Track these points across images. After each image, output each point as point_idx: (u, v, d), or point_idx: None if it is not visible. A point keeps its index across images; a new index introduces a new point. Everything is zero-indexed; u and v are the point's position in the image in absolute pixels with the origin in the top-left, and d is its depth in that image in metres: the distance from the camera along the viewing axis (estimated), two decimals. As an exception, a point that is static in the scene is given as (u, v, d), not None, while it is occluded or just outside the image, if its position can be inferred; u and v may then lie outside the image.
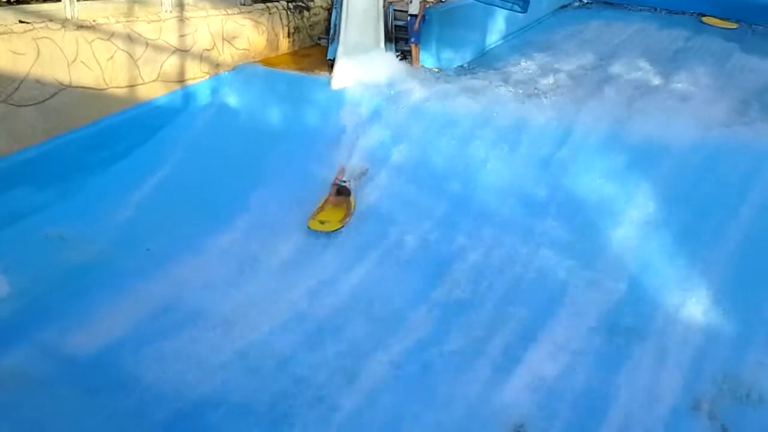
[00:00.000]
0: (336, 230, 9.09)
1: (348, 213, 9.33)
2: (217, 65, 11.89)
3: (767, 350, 7.08)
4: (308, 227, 9.13)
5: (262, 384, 6.67)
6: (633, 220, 8.81)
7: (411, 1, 12.67)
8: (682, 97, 11.42)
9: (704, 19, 18.64)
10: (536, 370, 6.90)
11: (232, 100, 11.87)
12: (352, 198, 9.61)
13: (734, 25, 18.27)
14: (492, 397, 6.66)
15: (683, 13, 18.98)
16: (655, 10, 19.31)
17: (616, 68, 13.51)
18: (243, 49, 12.40)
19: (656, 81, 12.63)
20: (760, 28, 18.09)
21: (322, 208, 9.49)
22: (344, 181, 9.81)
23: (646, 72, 13.31)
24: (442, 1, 14.56)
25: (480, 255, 8.64)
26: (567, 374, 6.84)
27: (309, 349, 7.14)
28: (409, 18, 12.86)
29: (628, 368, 6.96)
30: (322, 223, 9.18)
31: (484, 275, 8.32)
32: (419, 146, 10.48)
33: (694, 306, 7.68)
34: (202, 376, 6.77)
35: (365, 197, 9.82)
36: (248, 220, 9.38)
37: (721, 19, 18.55)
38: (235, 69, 12.22)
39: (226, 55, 12.05)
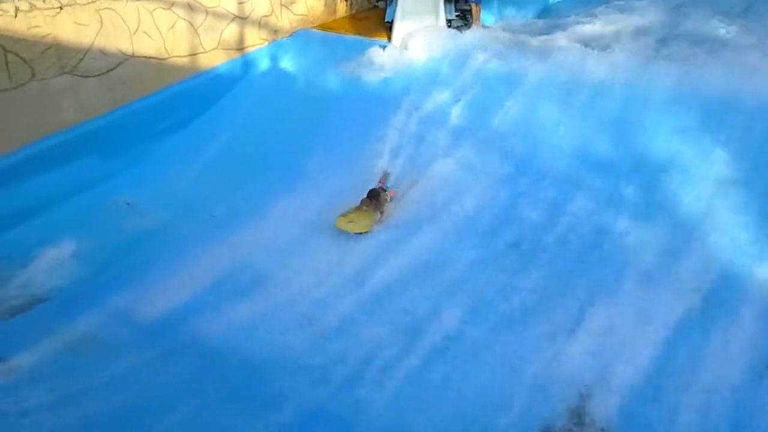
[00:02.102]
0: (362, 233, 8.44)
1: (377, 218, 8.67)
2: (276, 31, 11.86)
3: None
4: (335, 226, 8.52)
5: (325, 345, 6.68)
6: (708, 180, 8.34)
7: (470, -43, 12.38)
8: (756, 52, 10.80)
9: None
10: (605, 336, 6.67)
11: (290, 66, 11.85)
12: (386, 203, 8.95)
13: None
14: (559, 363, 6.48)
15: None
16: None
17: (686, 23, 12.86)
18: (301, 15, 12.33)
19: (729, 35, 11.93)
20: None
21: (356, 210, 8.79)
22: (385, 189, 9.21)
23: (717, 27, 12.56)
24: (502, -44, 14.15)
25: (545, 218, 8.38)
26: (638, 342, 6.60)
27: (369, 313, 7.11)
28: (468, -24, 12.57)
29: (703, 335, 6.66)
30: (350, 222, 8.55)
31: (548, 239, 8.08)
32: (482, 108, 10.19)
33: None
34: (268, 337, 6.82)
35: (427, 163, 9.66)
36: (308, 186, 9.33)
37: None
38: (294, 35, 12.18)
39: (284, 20, 12.00)
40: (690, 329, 6.77)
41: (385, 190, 9.11)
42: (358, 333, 6.84)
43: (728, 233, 7.85)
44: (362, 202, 8.84)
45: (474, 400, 6.12)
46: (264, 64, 11.67)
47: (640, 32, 12.32)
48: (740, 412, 5.90)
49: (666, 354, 6.49)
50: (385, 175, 9.51)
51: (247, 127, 10.60)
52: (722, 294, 7.16)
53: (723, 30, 11.74)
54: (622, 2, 14.10)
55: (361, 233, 8.42)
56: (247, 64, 11.41)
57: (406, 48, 11.57)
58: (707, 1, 14.66)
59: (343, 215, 8.66)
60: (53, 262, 7.63)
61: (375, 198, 8.81)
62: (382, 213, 8.80)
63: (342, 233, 8.40)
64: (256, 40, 11.49)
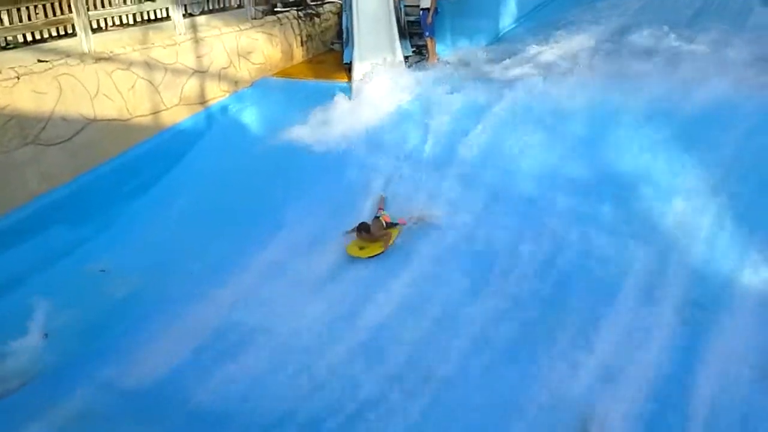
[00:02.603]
0: (374, 255, 8.56)
1: (386, 244, 8.67)
2: (236, 82, 11.85)
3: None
4: (347, 252, 8.68)
5: (329, 400, 6.52)
6: (685, 193, 8.49)
7: (422, -6, 12.56)
8: (710, 61, 11.09)
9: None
10: (606, 358, 6.66)
11: (254, 116, 11.83)
12: (382, 230, 8.87)
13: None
14: (563, 390, 6.43)
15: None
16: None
17: (637, 38, 13.18)
18: (259, 64, 12.34)
19: (681, 47, 12.28)
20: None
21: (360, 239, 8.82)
22: (380, 215, 9.09)
23: (668, 39, 12.97)
24: (451, -9, 14.40)
25: (530, 244, 8.38)
26: (639, 359, 6.60)
27: (370, 360, 6.97)
28: (421, 12, 12.73)
29: (701, 346, 6.70)
30: (360, 248, 8.67)
31: (536, 265, 8.08)
32: (450, 139, 10.30)
33: (763, 274, 7.40)
34: (266, 396, 6.64)
35: (401, 195, 9.65)
36: (284, 235, 9.20)
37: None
38: (254, 84, 12.19)
39: (244, 71, 12.00)
40: (687, 341, 6.80)
41: (378, 217, 8.99)
42: (359, 385, 6.68)
43: (708, 243, 7.96)
44: (358, 237, 8.71)
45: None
46: (227, 116, 11.63)
47: (594, 51, 12.59)
48: (749, 420, 5.92)
49: (668, 369, 6.50)
50: (382, 198, 9.42)
51: (215, 180, 10.47)
52: (713, 303, 7.22)
53: (675, 40, 12.02)
54: (572, 24, 14.38)
55: (371, 256, 8.50)
56: (210, 117, 11.36)
57: (367, 87, 11.64)
58: (653, 13, 15.14)
59: (355, 242, 8.71)
60: (33, 339, 7.36)
61: (365, 231, 8.65)
62: (387, 238, 8.69)
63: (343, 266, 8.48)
64: (217, 93, 11.46)
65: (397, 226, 8.98)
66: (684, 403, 6.12)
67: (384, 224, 8.91)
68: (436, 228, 8.95)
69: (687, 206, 8.43)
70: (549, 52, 12.74)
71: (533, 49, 13.01)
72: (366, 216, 9.17)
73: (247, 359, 7.06)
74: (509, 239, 8.58)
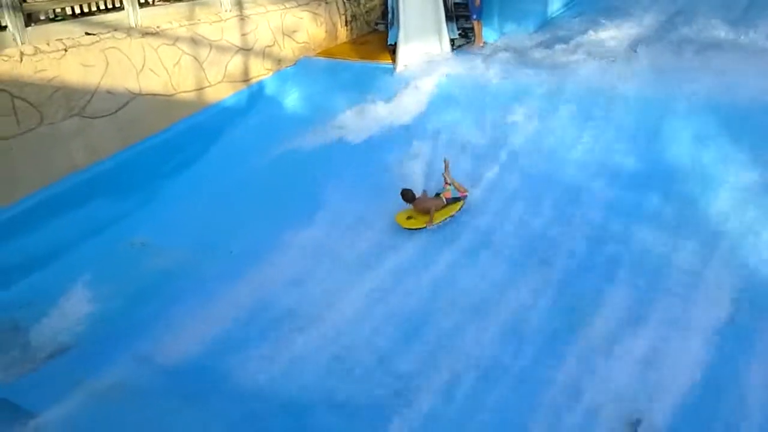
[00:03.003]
0: (419, 228, 8.63)
1: (431, 218, 8.64)
2: (279, 61, 11.79)
3: None
4: (395, 221, 8.80)
5: (359, 381, 6.50)
6: (735, 186, 8.26)
7: (470, -23, 12.34)
8: (762, 54, 10.74)
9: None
10: (645, 353, 6.50)
11: (297, 94, 11.78)
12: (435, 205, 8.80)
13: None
14: (600, 384, 6.30)
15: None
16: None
17: (688, 28, 12.78)
18: (303, 43, 12.27)
19: (733, 37, 11.89)
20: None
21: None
22: (441, 192, 9.01)
23: (720, 29, 12.57)
24: (500, -26, 14.14)
25: (573, 235, 8.22)
26: (682, 355, 6.43)
27: (402, 342, 6.93)
28: (469, -6, 12.54)
29: (747, 344, 6.49)
30: (408, 218, 8.75)
31: (579, 255, 7.92)
32: (494, 125, 10.16)
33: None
34: (299, 375, 6.64)
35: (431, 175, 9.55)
36: (326, 215, 9.17)
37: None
38: (297, 63, 12.12)
39: (287, 49, 11.94)
40: (731, 340, 6.59)
41: (438, 195, 8.94)
42: (389, 367, 6.64)
43: (753, 238, 7.72)
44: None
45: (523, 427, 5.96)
46: (270, 95, 11.58)
47: (644, 40, 12.26)
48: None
49: (712, 367, 6.31)
50: (447, 164, 9.10)
51: (257, 159, 10.43)
52: (757, 300, 6.98)
53: (727, 31, 11.65)
54: (622, 10, 13.97)
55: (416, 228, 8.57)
56: (254, 95, 11.32)
57: (411, 69, 11.51)
58: (703, 6, 14.68)
59: (405, 212, 8.79)
60: (74, 308, 7.46)
61: (405, 198, 8.75)
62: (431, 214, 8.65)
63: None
64: (260, 71, 11.41)
65: (460, 201, 8.90)
66: (728, 407, 5.95)
67: (444, 200, 8.84)
68: (474, 210, 8.86)
69: (736, 200, 8.20)
70: (599, 39, 12.43)
71: (582, 35, 12.70)
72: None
73: (280, 339, 7.05)
74: (557, 229, 8.43)
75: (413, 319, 7.28)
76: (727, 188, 8.39)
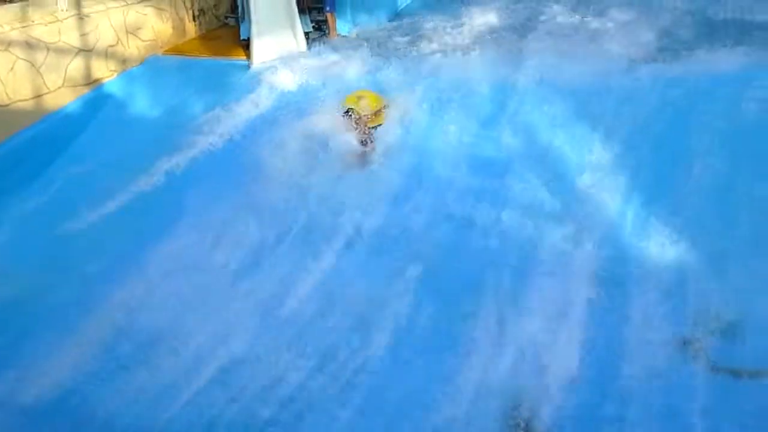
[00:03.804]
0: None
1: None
2: (125, 61, 11.08)
3: (744, 280, 7.10)
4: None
5: (243, 404, 6.23)
6: (595, 167, 8.68)
7: (320, -33, 12.17)
8: (612, 36, 11.38)
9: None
10: (529, 339, 6.69)
11: (147, 96, 11.09)
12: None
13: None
14: (486, 373, 6.42)
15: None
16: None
17: (534, 14, 13.36)
18: (149, 40, 11.60)
19: (576, 22, 12.55)
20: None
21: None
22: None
23: (563, 15, 13.22)
24: (350, -36, 14.03)
25: (443, 227, 8.31)
26: (560, 338, 6.67)
27: (286, 358, 6.72)
28: (320, -15, 12.36)
29: (619, 321, 6.85)
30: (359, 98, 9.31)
31: (450, 247, 8.01)
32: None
33: (671, 247, 7.63)
34: (175, 403, 6.28)
35: (301, 178, 9.30)
36: (190, 224, 8.66)
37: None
38: (144, 62, 11.45)
39: (132, 48, 11.24)
40: (604, 318, 6.92)
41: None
42: (280, 388, 6.41)
43: (616, 217, 8.15)
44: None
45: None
46: (117, 97, 10.86)
47: (497, 28, 12.67)
48: (672, 394, 6.11)
49: (589, 348, 6.59)
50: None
51: (107, 168, 9.73)
52: (625, 277, 7.39)
53: (578, 19, 12.21)
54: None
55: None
56: (99, 99, 10.59)
57: (266, 65, 11.20)
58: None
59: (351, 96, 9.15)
60: None
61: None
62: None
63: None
64: (104, 73, 10.69)
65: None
66: (610, 380, 6.25)
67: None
68: (343, 211, 8.74)
69: (596, 179, 8.61)
70: (451, 29, 12.72)
71: (434, 25, 12.97)
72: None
73: (157, 364, 6.63)
74: (422, 222, 8.49)
75: (298, 329, 7.06)
76: (586, 168, 8.77)
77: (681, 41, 11.17)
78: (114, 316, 7.28)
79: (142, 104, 10.98)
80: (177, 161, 9.66)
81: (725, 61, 9.97)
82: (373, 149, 9.12)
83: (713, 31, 11.66)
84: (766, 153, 8.33)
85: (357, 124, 9.46)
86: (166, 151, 9.90)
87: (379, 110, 9.59)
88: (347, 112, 9.51)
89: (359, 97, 8.73)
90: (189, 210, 8.81)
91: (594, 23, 12.15)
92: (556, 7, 13.18)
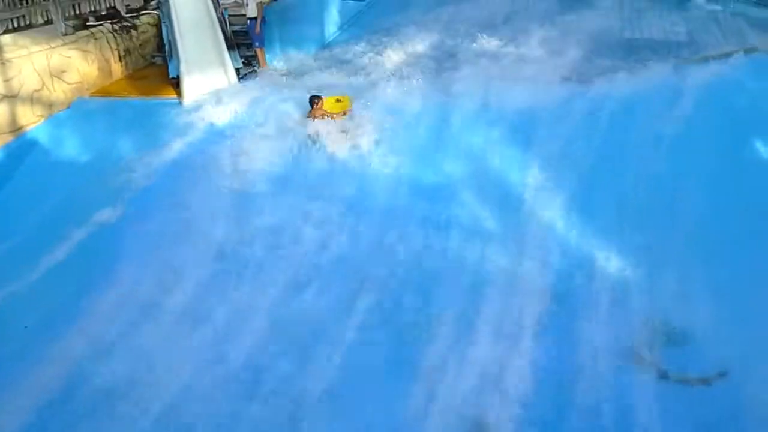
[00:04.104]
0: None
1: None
2: (51, 105, 10.77)
3: (686, 286, 7.40)
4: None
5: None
6: (531, 187, 8.94)
7: (247, 4, 12.16)
8: (533, 60, 11.79)
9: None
10: (482, 358, 6.78)
11: (74, 141, 10.73)
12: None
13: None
14: (441, 394, 6.47)
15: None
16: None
17: (458, 41, 13.73)
18: (75, 83, 11.31)
19: (503, 47, 12.96)
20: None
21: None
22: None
23: (486, 41, 13.62)
24: (275, 0, 14.12)
25: (389, 253, 8.36)
26: (513, 356, 6.79)
27: (243, 399, 6.60)
28: (248, 22, 12.34)
29: (570, 333, 7.03)
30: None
31: (400, 275, 8.05)
32: (292, 151, 10.05)
33: (613, 259, 7.90)
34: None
35: (242, 212, 9.24)
36: (130, 268, 8.43)
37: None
38: (72, 106, 11.13)
39: (58, 92, 10.94)
40: (554, 333, 7.10)
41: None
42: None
43: (558, 233, 8.40)
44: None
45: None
46: (44, 143, 10.48)
47: (421, 56, 12.92)
48: (624, 405, 6.28)
49: (541, 365, 6.74)
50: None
51: (40, 219, 9.35)
52: (572, 292, 7.62)
53: (504, 44, 12.58)
54: (394, 30, 14.61)
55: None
56: (25, 146, 10.22)
57: (198, 101, 11.09)
58: (469, 15, 15.78)
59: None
60: None
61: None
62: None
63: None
64: (31, 118, 10.35)
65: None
66: (563, 395, 6.39)
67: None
68: (289, 242, 8.70)
69: (536, 199, 8.84)
70: (379, 59, 12.94)
71: (363, 56, 13.18)
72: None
73: (107, 416, 6.42)
74: (368, 250, 8.53)
75: (252, 368, 6.96)
76: (525, 188, 9.04)
77: (605, 62, 11.64)
78: (57, 370, 6.99)
79: (72, 149, 10.64)
80: (111, 207, 9.37)
81: (646, 78, 10.46)
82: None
83: (633, 51, 12.22)
84: (698, 162, 8.74)
85: (315, 104, 10.35)
86: (99, 197, 9.60)
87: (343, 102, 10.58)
88: (313, 99, 10.42)
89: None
90: (128, 255, 8.60)
91: (520, 48, 12.54)
92: (482, 34, 13.52)
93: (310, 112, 10.36)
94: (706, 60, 10.66)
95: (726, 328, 6.89)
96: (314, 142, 10.02)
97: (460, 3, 16.95)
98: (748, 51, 10.50)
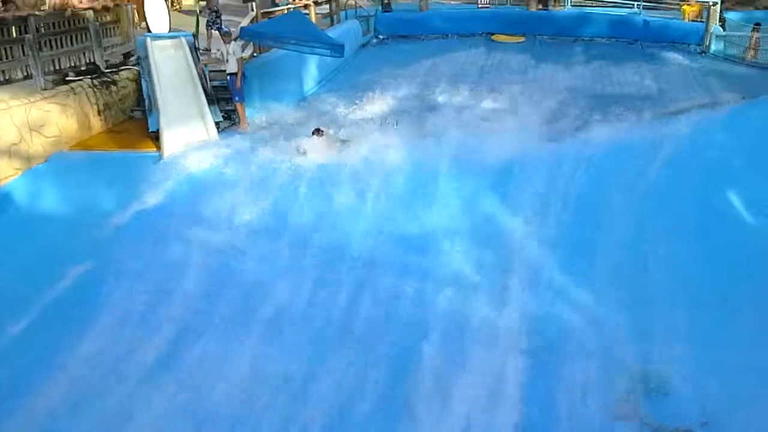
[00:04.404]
0: None
1: None
2: (29, 159, 10.71)
3: (664, 332, 7.48)
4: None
5: None
6: (511, 236, 9.05)
7: (227, 60, 12.31)
8: (508, 112, 12.09)
9: (494, 37, 20.00)
10: (465, 412, 6.74)
11: (52, 195, 10.63)
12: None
13: (521, 39, 19.77)
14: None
15: (473, 35, 20.24)
16: (447, 36, 20.46)
17: (435, 96, 14.11)
18: (54, 137, 11.28)
19: (478, 101, 13.27)
20: (544, 37, 19.80)
21: None
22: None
23: (463, 95, 13.97)
24: (255, 56, 14.32)
25: (370, 303, 8.37)
26: (493, 407, 6.77)
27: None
28: (228, 77, 12.48)
29: (551, 384, 7.04)
30: None
31: (379, 322, 8.05)
32: (274, 204, 10.09)
33: (592, 307, 7.97)
34: None
35: (222, 266, 9.21)
36: (107, 321, 8.35)
37: (508, 35, 20.00)
38: (50, 159, 11.08)
39: (37, 145, 10.90)
40: (536, 384, 7.10)
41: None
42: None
43: (536, 282, 8.46)
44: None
45: None
46: (21, 198, 10.35)
47: (399, 110, 13.16)
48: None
49: (525, 417, 6.72)
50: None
51: (15, 270, 9.23)
52: (552, 341, 7.64)
53: (477, 100, 12.88)
54: (370, 84, 14.89)
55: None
56: (2, 200, 10.10)
57: (177, 155, 11.11)
58: (444, 71, 16.19)
59: None
60: None
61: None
62: None
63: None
64: (8, 172, 10.29)
65: None
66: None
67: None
68: (262, 294, 8.64)
69: (512, 250, 8.92)
70: (358, 111, 13.18)
71: (341, 109, 13.38)
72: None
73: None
74: (349, 300, 8.52)
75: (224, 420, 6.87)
76: (503, 238, 9.14)
77: (578, 114, 11.96)
78: (36, 424, 6.85)
79: (48, 203, 10.54)
80: (86, 261, 9.27)
81: (617, 132, 10.75)
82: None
83: (606, 104, 12.56)
84: (675, 212, 8.91)
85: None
86: (74, 253, 9.47)
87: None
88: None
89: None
90: (104, 310, 8.49)
91: (496, 101, 12.84)
92: (458, 88, 13.83)
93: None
94: (677, 113, 10.97)
95: (707, 377, 6.95)
96: (293, 192, 10.07)
97: (436, 57, 17.49)
98: (717, 104, 10.83)
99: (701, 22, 18.55)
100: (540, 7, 20.71)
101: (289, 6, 16.30)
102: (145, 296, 8.63)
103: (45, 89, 11.44)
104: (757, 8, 22.50)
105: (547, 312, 8.07)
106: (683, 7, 19.60)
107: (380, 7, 21.00)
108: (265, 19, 14.77)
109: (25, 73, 11.62)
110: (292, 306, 8.48)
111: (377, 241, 9.33)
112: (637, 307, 7.86)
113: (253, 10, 15.49)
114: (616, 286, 8.15)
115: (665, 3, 21.13)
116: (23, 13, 12.34)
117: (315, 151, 11.00)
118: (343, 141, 11.60)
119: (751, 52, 16.93)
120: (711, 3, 18.52)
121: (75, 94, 11.98)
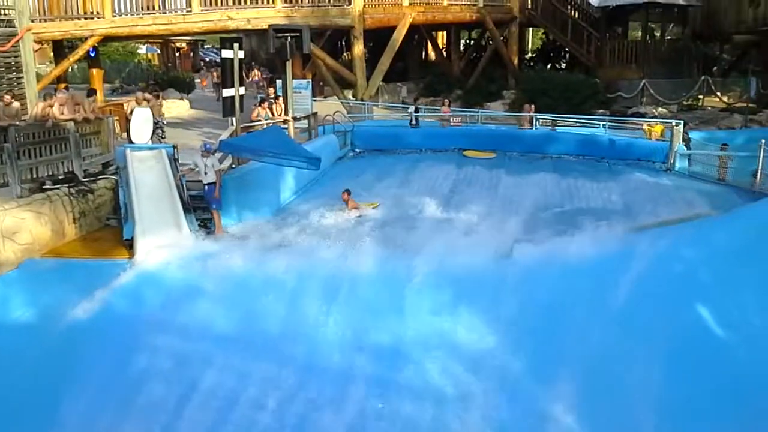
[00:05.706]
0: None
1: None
2: (0, 266, 10.64)
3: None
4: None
5: None
6: (483, 349, 9.02)
7: (206, 172, 12.57)
8: (478, 225, 12.33)
9: (465, 153, 20.63)
10: None
11: (19, 301, 10.53)
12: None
13: (492, 155, 20.42)
14: None
15: (445, 150, 20.89)
16: (421, 151, 21.10)
17: (406, 209, 14.34)
18: (26, 244, 11.26)
19: (449, 215, 13.56)
20: (514, 154, 20.48)
21: None
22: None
23: (434, 210, 14.27)
24: (233, 167, 14.61)
25: (340, 417, 8.23)
26: None
27: None
28: (206, 187, 12.68)
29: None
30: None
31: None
32: (247, 314, 10.02)
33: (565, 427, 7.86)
34: None
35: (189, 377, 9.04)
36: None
37: (479, 150, 20.66)
38: (21, 266, 11.01)
39: (8, 252, 10.86)
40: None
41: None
42: None
43: (512, 398, 8.40)
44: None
45: None
46: (-9, 306, 10.25)
47: (370, 222, 13.38)
48: None
49: None
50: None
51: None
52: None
53: (441, 210, 13.22)
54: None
55: None
56: (-30, 307, 9.97)
57: (152, 264, 11.08)
58: (416, 185, 16.59)
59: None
60: None
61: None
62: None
63: None
64: (-23, 279, 10.20)
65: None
66: None
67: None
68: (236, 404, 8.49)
69: (476, 362, 8.88)
70: (328, 223, 13.35)
71: (318, 218, 13.57)
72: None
73: None
74: (318, 414, 8.36)
75: None
76: (476, 351, 9.08)
77: (546, 230, 12.23)
78: None
79: (15, 310, 10.41)
80: (56, 371, 9.11)
81: (584, 247, 10.94)
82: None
83: (573, 220, 12.88)
84: (646, 331, 8.92)
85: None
86: (43, 362, 9.34)
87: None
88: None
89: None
90: (68, 421, 8.36)
91: (467, 215, 13.13)
92: (430, 202, 14.19)
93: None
94: (643, 229, 11.23)
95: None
96: (265, 301, 10.05)
97: (409, 173, 17.95)
98: (683, 219, 11.10)
99: (665, 141, 19.30)
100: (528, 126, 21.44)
101: (269, 121, 16.77)
102: (108, 405, 8.45)
103: (21, 197, 11.52)
104: (719, 128, 23.51)
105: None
106: (645, 127, 20.46)
107: (408, 124, 21.98)
108: (244, 133, 15.18)
109: (2, 181, 11.71)
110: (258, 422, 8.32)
111: (346, 353, 9.27)
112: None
113: (233, 124, 15.96)
114: (590, 404, 8.09)
115: (629, 122, 22.09)
116: (4, 123, 12.62)
117: (289, 259, 11.05)
118: (318, 249, 11.68)
119: (722, 171, 17.19)
120: (674, 123, 19.36)
121: (51, 202, 12.06)
